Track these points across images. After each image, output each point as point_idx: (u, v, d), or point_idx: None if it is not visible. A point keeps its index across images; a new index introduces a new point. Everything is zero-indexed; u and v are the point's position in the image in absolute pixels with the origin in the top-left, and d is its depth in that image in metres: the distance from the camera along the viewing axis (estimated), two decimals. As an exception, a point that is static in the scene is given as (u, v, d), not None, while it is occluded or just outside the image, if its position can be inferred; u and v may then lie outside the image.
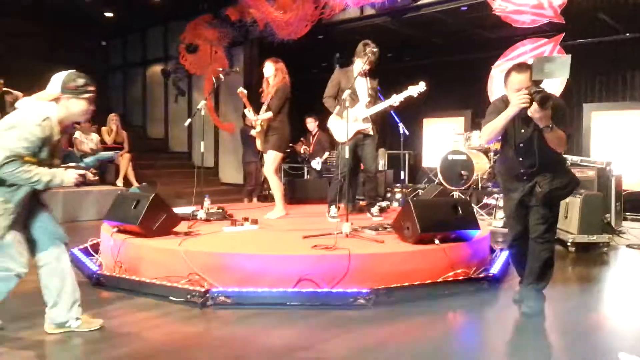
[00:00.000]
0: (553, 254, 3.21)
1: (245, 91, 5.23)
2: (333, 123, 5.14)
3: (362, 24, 8.43)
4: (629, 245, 5.45)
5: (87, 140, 8.26)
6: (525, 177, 3.17)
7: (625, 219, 6.68)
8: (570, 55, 2.88)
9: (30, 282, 2.69)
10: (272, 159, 5.14)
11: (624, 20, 7.94)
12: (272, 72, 5.13)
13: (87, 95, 2.68)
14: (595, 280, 4.25)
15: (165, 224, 4.00)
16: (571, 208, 5.29)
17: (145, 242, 3.82)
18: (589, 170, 6.14)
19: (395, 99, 4.86)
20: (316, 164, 8.17)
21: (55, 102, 2.63)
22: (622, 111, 8.23)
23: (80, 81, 2.66)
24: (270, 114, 5.07)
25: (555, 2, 7.05)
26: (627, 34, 8.36)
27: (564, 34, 8.48)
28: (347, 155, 4.40)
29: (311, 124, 8.29)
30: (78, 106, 2.67)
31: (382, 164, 9.08)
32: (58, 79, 2.65)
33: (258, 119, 5.14)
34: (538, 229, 3.13)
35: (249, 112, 5.24)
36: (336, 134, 5.13)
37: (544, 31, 8.36)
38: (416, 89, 4.81)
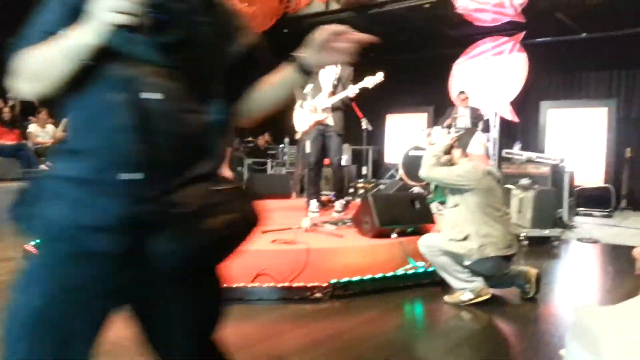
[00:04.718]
0: None
1: None
2: (296, 113, 5.16)
3: (327, 18, 8.45)
4: (579, 239, 5.67)
5: (43, 134, 8.02)
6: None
7: (577, 214, 6.95)
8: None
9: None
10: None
11: (580, 21, 8.22)
12: None
13: None
14: (545, 272, 4.40)
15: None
16: (525, 203, 5.47)
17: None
18: (544, 166, 6.36)
19: (352, 89, 4.86)
20: None
21: None
22: (576, 109, 8.54)
23: None
24: None
25: (516, 1, 7.26)
26: (583, 34, 8.66)
27: (524, 32, 8.72)
28: (307, 149, 4.42)
29: None
30: None
31: (346, 159, 9.10)
32: None
33: None
34: None
35: None
36: (297, 124, 5.15)
37: (505, 29, 8.57)
38: (372, 80, 4.82)
